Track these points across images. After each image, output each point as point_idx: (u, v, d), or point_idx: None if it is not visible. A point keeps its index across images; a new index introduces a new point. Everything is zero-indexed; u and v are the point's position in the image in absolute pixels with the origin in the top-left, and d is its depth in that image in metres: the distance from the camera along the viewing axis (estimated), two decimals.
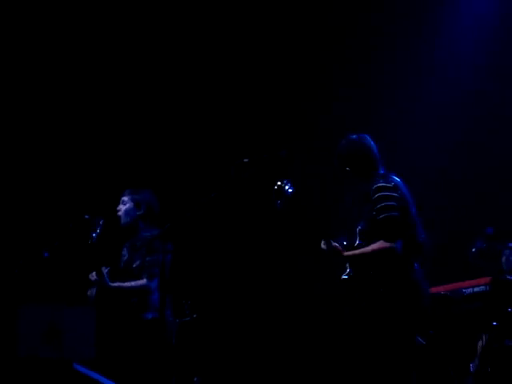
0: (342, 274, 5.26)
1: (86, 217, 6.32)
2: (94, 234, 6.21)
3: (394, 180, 5.21)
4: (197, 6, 9.02)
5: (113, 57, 9.07)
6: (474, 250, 6.65)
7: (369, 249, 5.10)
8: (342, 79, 8.62)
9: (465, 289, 6.38)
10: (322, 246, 5.19)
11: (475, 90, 8.10)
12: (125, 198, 6.57)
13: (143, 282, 6.38)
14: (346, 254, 5.18)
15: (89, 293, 6.49)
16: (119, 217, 6.58)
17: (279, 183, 5.03)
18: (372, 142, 5.38)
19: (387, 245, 5.04)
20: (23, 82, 8.92)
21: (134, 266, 6.52)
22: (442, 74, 8.34)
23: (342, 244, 5.23)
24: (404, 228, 5.09)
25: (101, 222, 6.25)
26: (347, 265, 5.23)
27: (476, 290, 6.33)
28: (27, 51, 8.87)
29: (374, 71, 8.52)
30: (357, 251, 5.16)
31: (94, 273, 6.33)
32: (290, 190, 5.00)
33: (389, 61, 8.44)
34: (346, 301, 5.33)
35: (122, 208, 6.56)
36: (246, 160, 5.12)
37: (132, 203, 6.54)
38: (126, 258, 6.62)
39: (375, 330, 5.07)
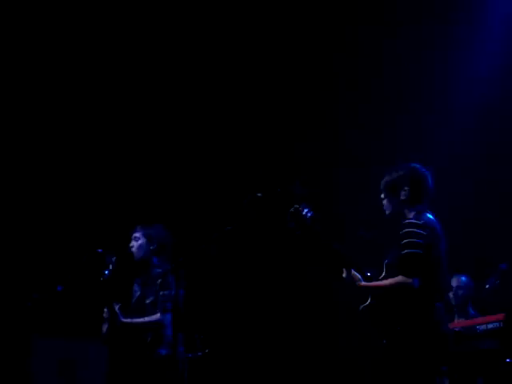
0: (361, 304, 5.21)
1: (99, 251, 6.36)
2: (106, 272, 6.26)
3: (425, 218, 5.12)
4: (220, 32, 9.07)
5: (127, 88, 9.14)
6: (487, 286, 6.62)
7: (386, 282, 5.06)
8: (362, 106, 8.65)
9: (478, 325, 6.33)
10: (343, 274, 5.12)
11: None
12: (137, 234, 6.64)
13: (157, 316, 6.44)
14: (362, 284, 5.15)
15: (103, 328, 6.51)
16: (133, 253, 6.62)
17: (296, 206, 4.97)
18: None
19: (404, 280, 4.98)
20: (44, 112, 9.00)
21: (148, 301, 6.55)
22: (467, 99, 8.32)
23: (365, 275, 5.18)
24: (426, 266, 5.01)
25: (113, 260, 6.30)
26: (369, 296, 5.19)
27: (489, 326, 6.28)
28: (30, 56, 8.90)
29: (389, 93, 8.55)
30: (373, 283, 5.11)
31: (106, 309, 6.36)
32: (309, 214, 4.95)
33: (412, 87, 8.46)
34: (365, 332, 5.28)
35: (135, 244, 6.62)
36: (259, 194, 5.13)
37: (145, 238, 6.61)
38: (138, 293, 6.65)
39: (395, 367, 5.02)
